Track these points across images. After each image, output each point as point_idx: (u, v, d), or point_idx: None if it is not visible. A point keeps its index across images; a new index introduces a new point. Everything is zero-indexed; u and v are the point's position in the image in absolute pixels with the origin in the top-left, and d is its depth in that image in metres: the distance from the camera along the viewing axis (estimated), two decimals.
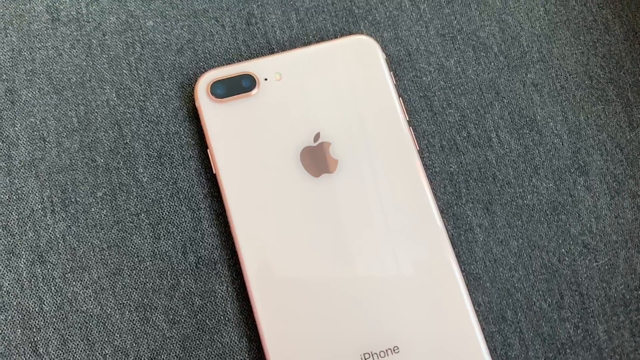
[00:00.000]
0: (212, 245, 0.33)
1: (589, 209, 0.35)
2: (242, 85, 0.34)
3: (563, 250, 0.34)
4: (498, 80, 0.37)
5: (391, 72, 0.35)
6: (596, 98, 0.37)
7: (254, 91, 0.34)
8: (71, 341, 0.32)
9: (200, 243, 0.34)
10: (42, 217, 0.34)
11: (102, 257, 0.33)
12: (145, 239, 0.33)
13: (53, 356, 0.32)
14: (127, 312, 0.33)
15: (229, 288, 0.33)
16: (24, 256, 0.33)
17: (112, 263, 0.33)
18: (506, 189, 0.35)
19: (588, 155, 0.36)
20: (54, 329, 0.32)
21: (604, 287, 0.34)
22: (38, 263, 0.33)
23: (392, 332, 0.31)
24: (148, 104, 0.35)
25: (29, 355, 0.32)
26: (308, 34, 0.37)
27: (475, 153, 0.35)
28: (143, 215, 0.34)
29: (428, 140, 0.35)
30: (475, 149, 0.35)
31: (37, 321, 0.32)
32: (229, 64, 0.36)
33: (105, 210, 0.34)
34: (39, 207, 0.34)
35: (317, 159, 0.33)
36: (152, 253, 0.33)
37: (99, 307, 0.33)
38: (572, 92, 0.37)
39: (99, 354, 0.32)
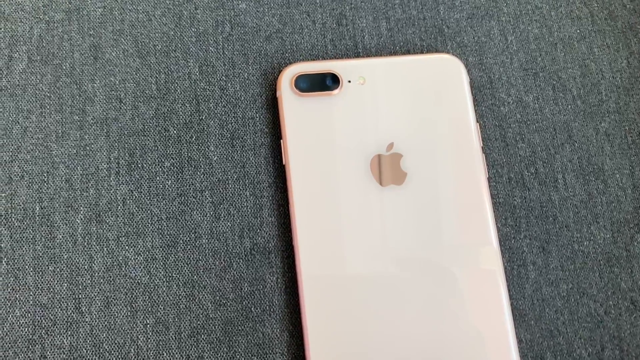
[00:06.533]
0: (269, 234, 0.33)
1: None
2: (326, 83, 0.34)
3: (611, 302, 0.34)
4: (572, 123, 0.37)
5: (472, 97, 0.35)
6: None
7: (336, 91, 0.34)
8: (115, 305, 0.32)
9: (258, 230, 0.33)
10: (106, 177, 0.34)
11: (160, 227, 0.33)
12: (206, 216, 0.33)
13: (95, 316, 0.32)
14: (175, 286, 0.32)
15: (279, 279, 0.33)
16: (81, 212, 0.33)
17: (168, 235, 0.33)
18: (564, 232, 0.35)
19: None
20: (100, 290, 0.32)
21: None
22: (95, 222, 0.33)
23: (434, 353, 0.31)
24: (229, 84, 0.35)
25: (71, 311, 0.32)
26: (395, 44, 0.37)
27: (540, 191, 0.35)
28: (207, 192, 0.34)
29: (497, 170, 0.36)
30: (540, 187, 0.35)
31: (84, 278, 0.32)
32: (314, 59, 0.36)
33: (170, 181, 0.34)
34: (105, 166, 0.34)
35: (386, 168, 0.33)
36: (209, 231, 0.33)
37: (148, 276, 0.32)
38: None
39: (140, 322, 0.32)
